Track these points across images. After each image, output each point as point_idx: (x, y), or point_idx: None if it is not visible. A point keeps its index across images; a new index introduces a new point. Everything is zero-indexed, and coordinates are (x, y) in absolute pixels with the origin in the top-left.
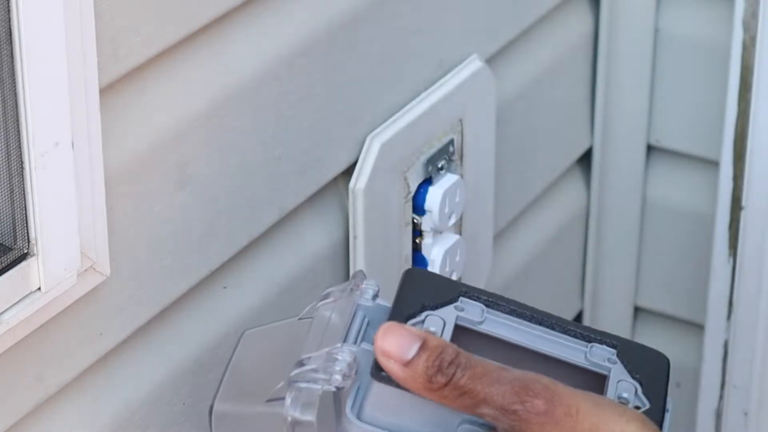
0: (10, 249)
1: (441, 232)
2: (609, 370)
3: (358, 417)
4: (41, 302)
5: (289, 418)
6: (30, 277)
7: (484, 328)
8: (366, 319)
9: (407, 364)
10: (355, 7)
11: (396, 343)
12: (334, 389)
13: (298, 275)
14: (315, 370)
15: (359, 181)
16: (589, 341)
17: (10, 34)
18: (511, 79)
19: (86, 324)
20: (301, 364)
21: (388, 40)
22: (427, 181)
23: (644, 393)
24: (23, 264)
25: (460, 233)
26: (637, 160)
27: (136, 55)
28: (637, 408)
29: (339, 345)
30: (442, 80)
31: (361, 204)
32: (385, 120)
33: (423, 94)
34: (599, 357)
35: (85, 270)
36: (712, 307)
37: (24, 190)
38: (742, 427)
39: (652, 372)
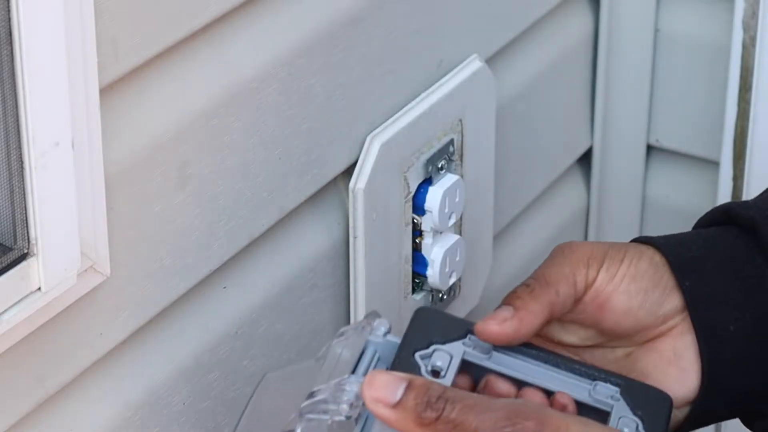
0: (10, 249)
1: (441, 232)
2: (611, 407)
3: None
4: (41, 302)
5: None
6: (30, 277)
7: (491, 364)
8: (377, 354)
9: (396, 405)
10: (355, 7)
11: (382, 388)
12: (342, 419)
13: (298, 275)
14: (324, 401)
15: (359, 181)
16: (594, 379)
17: (10, 34)
18: (511, 79)
19: (86, 324)
20: (311, 395)
21: (388, 40)
22: (427, 181)
23: (645, 429)
24: (23, 264)
25: (460, 233)
26: (637, 160)
27: (136, 55)
28: None
29: (347, 376)
30: (442, 80)
31: (361, 204)
32: (385, 120)
33: (423, 94)
34: (602, 394)
35: (85, 270)
36: None
37: (24, 190)
38: (742, 426)
39: (653, 409)
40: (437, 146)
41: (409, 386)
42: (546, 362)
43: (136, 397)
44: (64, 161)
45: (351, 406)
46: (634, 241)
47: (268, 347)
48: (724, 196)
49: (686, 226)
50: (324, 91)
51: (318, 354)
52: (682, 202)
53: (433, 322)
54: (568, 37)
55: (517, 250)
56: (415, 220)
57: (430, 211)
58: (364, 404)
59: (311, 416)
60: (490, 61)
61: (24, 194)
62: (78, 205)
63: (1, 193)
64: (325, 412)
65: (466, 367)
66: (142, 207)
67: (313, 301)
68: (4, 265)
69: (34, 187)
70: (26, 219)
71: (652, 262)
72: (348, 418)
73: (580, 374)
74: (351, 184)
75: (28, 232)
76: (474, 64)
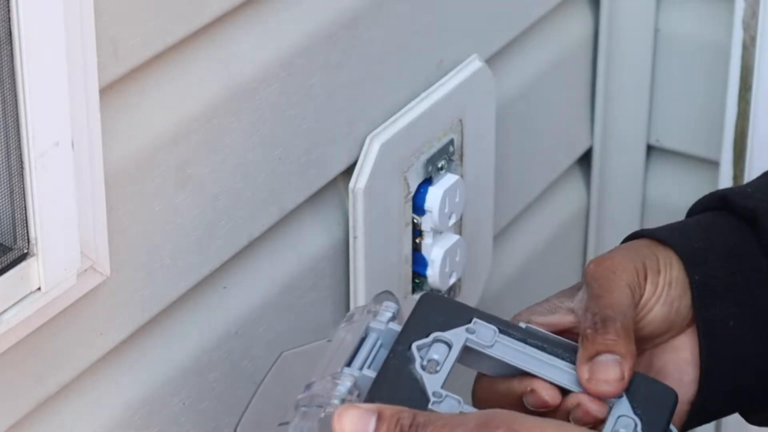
0: (10, 249)
1: (441, 232)
2: (612, 404)
3: None
4: (41, 302)
5: None
6: (30, 277)
7: (494, 352)
8: (379, 342)
9: None
10: (355, 7)
11: (352, 424)
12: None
13: (298, 275)
14: (318, 395)
15: (359, 181)
16: None
17: (10, 34)
18: (511, 79)
19: (86, 324)
20: (307, 387)
21: (388, 40)
22: (427, 181)
23: (644, 429)
24: (23, 264)
25: (460, 233)
26: (637, 160)
27: (136, 55)
28: None
29: (340, 370)
30: (442, 80)
31: (361, 204)
32: (385, 120)
33: (423, 94)
34: None
35: (85, 270)
36: None
37: (24, 190)
38: (743, 426)
39: (656, 406)
40: (437, 146)
41: (379, 418)
42: (553, 353)
43: (136, 397)
44: (64, 161)
45: (342, 401)
46: (633, 236)
47: (268, 347)
48: None
49: None
50: (324, 91)
51: (330, 335)
52: (682, 202)
53: (436, 309)
54: (568, 37)
55: (517, 250)
56: (415, 220)
57: (430, 211)
58: (358, 397)
59: (305, 409)
60: (490, 61)
61: (24, 194)
62: (78, 205)
63: (1, 193)
64: (319, 405)
65: (468, 352)
66: (142, 207)
67: (313, 301)
68: (4, 265)
69: (34, 187)
70: (26, 219)
71: (677, 263)
72: None
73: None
74: (351, 184)
75: (28, 232)
76: (474, 64)
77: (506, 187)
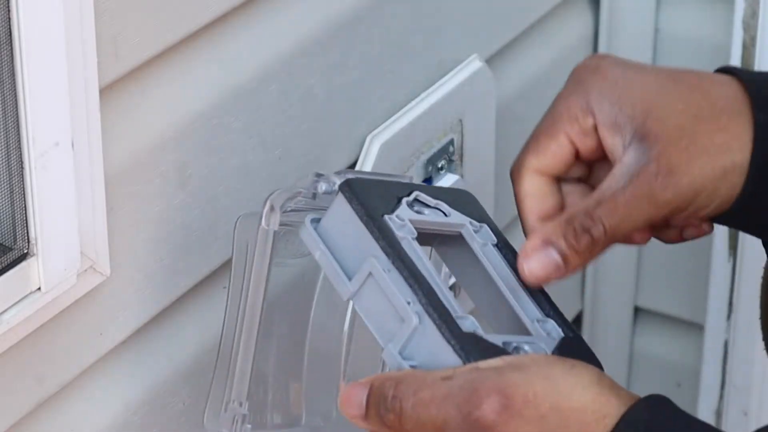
0: (10, 249)
1: None
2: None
3: (314, 228)
4: (41, 302)
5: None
6: (30, 277)
7: (484, 260)
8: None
9: (365, 418)
10: (355, 7)
11: (350, 404)
12: (312, 194)
13: (298, 274)
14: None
15: None
16: (548, 317)
17: (10, 34)
18: (511, 79)
19: (86, 324)
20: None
21: (388, 40)
22: (427, 181)
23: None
24: (23, 264)
25: None
26: None
27: (136, 55)
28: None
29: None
30: (442, 80)
31: None
32: (385, 120)
33: (423, 94)
34: (546, 329)
35: (85, 270)
36: (712, 307)
37: (24, 190)
38: (743, 427)
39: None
40: (437, 146)
41: (369, 392)
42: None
43: (136, 397)
44: (64, 161)
45: (325, 189)
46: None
47: None
48: None
49: None
50: (324, 91)
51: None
52: None
53: (368, 193)
54: (568, 37)
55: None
56: None
57: None
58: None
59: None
60: (490, 61)
61: (24, 194)
62: (78, 205)
63: (1, 193)
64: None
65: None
66: (142, 207)
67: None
68: (4, 265)
69: (34, 187)
70: (26, 219)
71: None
72: (315, 194)
73: (540, 303)
74: None
75: (28, 232)
76: (474, 64)
77: (506, 187)
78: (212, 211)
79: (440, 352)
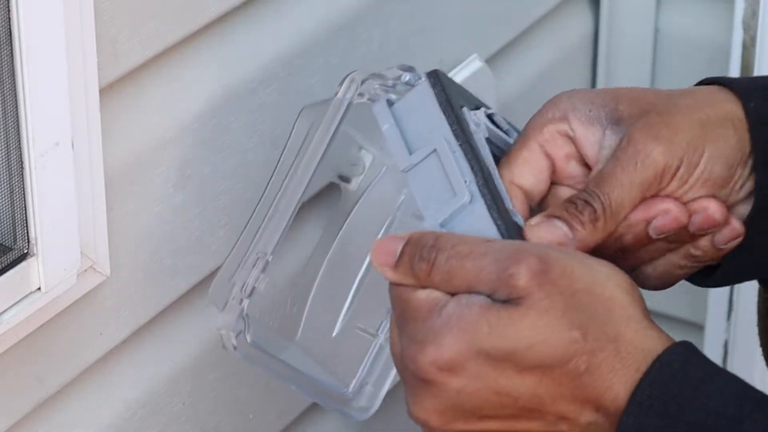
0: (10, 249)
1: None
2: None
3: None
4: (41, 302)
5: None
6: (30, 277)
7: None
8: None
9: (396, 265)
10: (355, 7)
11: (384, 252)
12: (393, 83)
13: (297, 275)
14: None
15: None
16: None
17: (10, 34)
18: (511, 79)
19: (86, 324)
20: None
21: (388, 40)
22: None
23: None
24: (23, 264)
25: None
26: None
27: (136, 55)
28: None
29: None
30: None
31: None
32: None
33: None
34: None
35: (85, 270)
36: (712, 307)
37: (24, 190)
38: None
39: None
40: None
41: (406, 243)
42: None
43: (136, 397)
44: (64, 161)
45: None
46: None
47: None
48: None
49: None
50: (324, 91)
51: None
52: None
53: (452, 88)
54: (568, 37)
55: None
56: None
57: None
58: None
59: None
60: (490, 61)
61: (24, 194)
62: (78, 205)
63: (1, 193)
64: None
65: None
66: (142, 207)
67: None
68: (4, 265)
69: (34, 187)
70: (26, 219)
71: (730, 145)
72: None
73: None
74: (352, 185)
75: (28, 232)
76: (474, 64)
77: None
78: (212, 211)
79: (485, 231)
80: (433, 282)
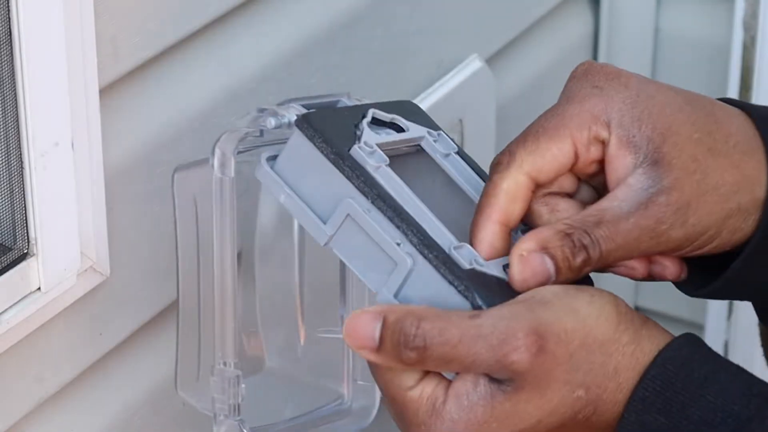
0: (10, 249)
1: None
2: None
3: (272, 167)
4: (41, 302)
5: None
6: (30, 277)
7: (450, 170)
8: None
9: (378, 350)
10: (355, 7)
11: (361, 334)
12: (258, 131)
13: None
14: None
15: None
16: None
17: (10, 34)
18: (511, 79)
19: (86, 324)
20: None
21: (388, 40)
22: None
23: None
24: (23, 264)
25: None
26: None
27: (136, 55)
28: None
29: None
30: (442, 80)
31: None
32: None
33: (423, 94)
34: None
35: (85, 270)
36: (712, 307)
37: (24, 190)
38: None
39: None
40: None
41: (384, 325)
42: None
43: (136, 397)
44: (64, 161)
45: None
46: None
47: None
48: None
49: None
50: (323, 91)
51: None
52: None
53: (326, 126)
54: (568, 37)
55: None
56: None
57: None
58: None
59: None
60: (490, 61)
61: (24, 194)
62: (78, 205)
63: (1, 193)
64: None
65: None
66: (142, 207)
67: None
68: (4, 265)
69: (34, 187)
70: (26, 219)
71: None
72: (261, 130)
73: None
74: None
75: (27, 232)
76: (474, 64)
77: None
78: None
79: (442, 292)
80: (424, 367)
